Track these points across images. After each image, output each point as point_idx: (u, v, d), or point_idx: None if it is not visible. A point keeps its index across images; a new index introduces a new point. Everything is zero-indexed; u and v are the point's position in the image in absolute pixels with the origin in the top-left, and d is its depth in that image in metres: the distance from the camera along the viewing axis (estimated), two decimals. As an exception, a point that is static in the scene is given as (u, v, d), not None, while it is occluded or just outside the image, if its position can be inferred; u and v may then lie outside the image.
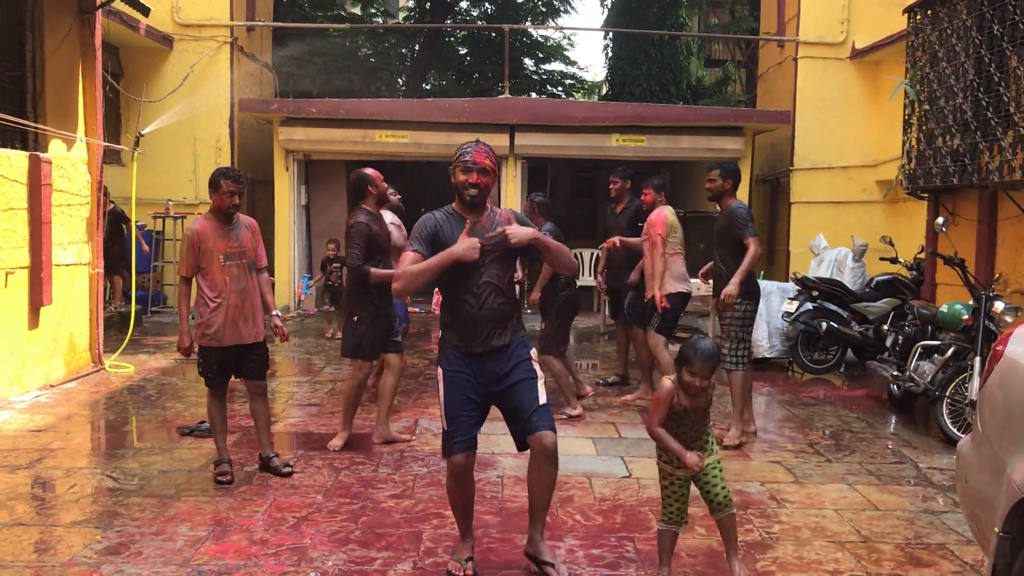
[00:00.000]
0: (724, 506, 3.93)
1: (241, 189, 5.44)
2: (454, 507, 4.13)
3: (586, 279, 14.14)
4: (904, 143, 9.40)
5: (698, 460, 3.81)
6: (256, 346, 5.56)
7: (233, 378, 5.61)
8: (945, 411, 6.76)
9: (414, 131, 13.45)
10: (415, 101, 15.92)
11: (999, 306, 6.72)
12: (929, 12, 8.90)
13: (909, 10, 9.34)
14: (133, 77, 13.26)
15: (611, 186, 8.29)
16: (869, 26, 13.47)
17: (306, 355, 10.27)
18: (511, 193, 13.69)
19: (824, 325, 9.09)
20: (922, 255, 9.56)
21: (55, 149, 8.22)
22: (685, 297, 7.36)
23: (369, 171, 6.41)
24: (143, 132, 10.97)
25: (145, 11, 9.59)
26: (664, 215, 7.36)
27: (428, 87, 23.54)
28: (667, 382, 3.92)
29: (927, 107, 8.89)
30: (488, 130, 13.37)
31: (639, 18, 19.72)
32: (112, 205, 10.98)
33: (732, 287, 6.31)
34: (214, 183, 5.39)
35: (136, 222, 10.92)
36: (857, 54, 13.70)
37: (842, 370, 9.49)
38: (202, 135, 13.57)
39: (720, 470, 3.98)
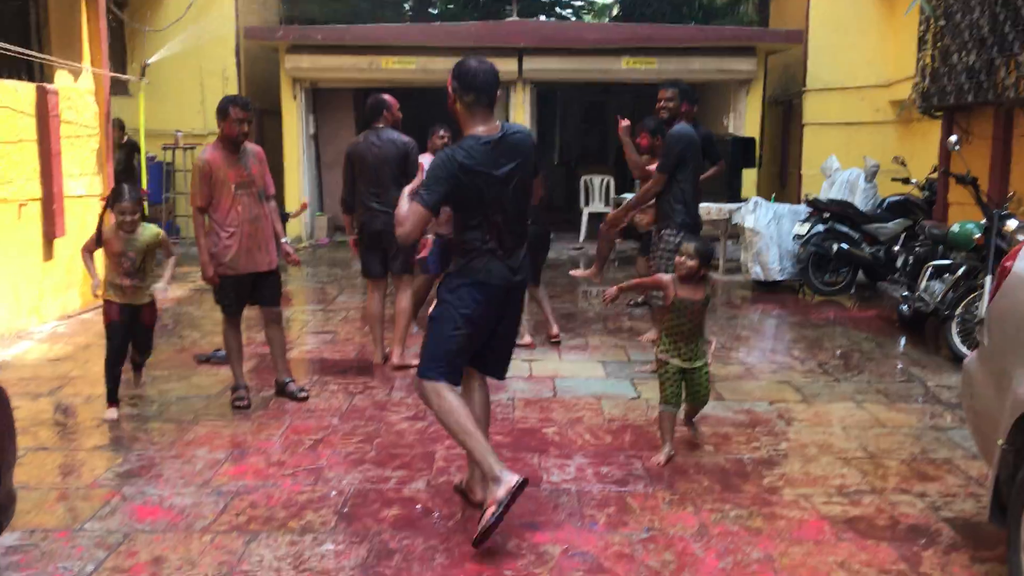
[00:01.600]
0: (701, 403, 4.78)
1: (249, 116, 5.41)
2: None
3: (597, 206, 14.09)
4: (919, 61, 9.24)
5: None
6: (270, 273, 5.60)
7: (248, 305, 5.67)
8: (955, 330, 6.78)
9: (421, 57, 13.27)
10: (421, 26, 15.71)
11: (1011, 224, 6.66)
12: (947, -77, 8.65)
13: (927, -78, 9.07)
14: (137, 6, 13.07)
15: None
16: (886, -60, 13.09)
17: (319, 284, 10.34)
18: (519, 118, 13.55)
19: (835, 247, 9.07)
20: (935, 175, 9.47)
21: (61, 80, 8.18)
22: None
23: (387, 97, 6.50)
24: (148, 62, 10.89)
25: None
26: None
27: (435, 12, 23.13)
28: (666, 276, 4.72)
29: (943, 22, 8.70)
30: (496, 54, 13.12)
31: (651, -64, 19.27)
32: (127, 137, 10.94)
33: (614, 215, 6.11)
34: (222, 111, 5.36)
35: (146, 153, 10.91)
36: (873, -31, 13.34)
37: (853, 292, 9.50)
38: (208, 64, 13.42)
39: (706, 373, 4.69)
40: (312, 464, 4.58)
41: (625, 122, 6.32)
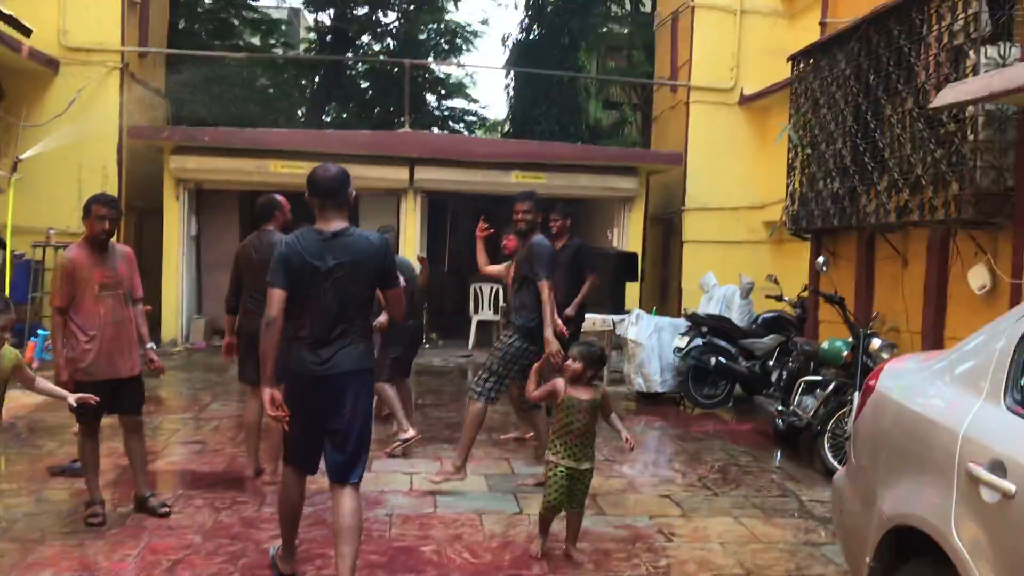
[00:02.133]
0: (578, 505, 4.83)
1: (114, 215, 5.21)
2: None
3: (486, 313, 14.14)
4: (788, 185, 9.76)
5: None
6: (132, 380, 5.32)
7: (108, 414, 5.35)
8: (827, 444, 6.96)
9: (311, 162, 12.95)
10: (314, 132, 15.77)
11: (876, 343, 6.99)
12: (811, 61, 9.31)
13: (793, 58, 9.75)
14: (15, 100, 12.65)
15: (552, 224, 7.72)
16: (757, 73, 14.01)
17: (192, 390, 9.92)
18: (410, 225, 13.61)
19: (714, 361, 9.29)
20: (805, 293, 9.90)
21: (-78, 172, 7.79)
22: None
23: (280, 198, 6.40)
24: (22, 157, 10.50)
25: (27, 32, 9.23)
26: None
27: (328, 119, 23.34)
28: (559, 380, 4.89)
29: (809, 151, 9.26)
30: (388, 163, 13.31)
31: (540, 59, 20.11)
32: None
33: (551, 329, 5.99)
34: (86, 208, 5.17)
35: (13, 251, 10.40)
36: (745, 100, 14.22)
37: (731, 404, 9.71)
38: (88, 161, 13.03)
39: (589, 479, 4.85)
40: (169, 587, 4.26)
41: (484, 226, 6.91)
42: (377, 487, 6.00)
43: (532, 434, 7.10)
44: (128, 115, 13.47)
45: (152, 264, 13.53)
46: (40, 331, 4.82)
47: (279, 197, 6.41)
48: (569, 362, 4.85)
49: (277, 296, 4.00)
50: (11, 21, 8.78)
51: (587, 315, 8.09)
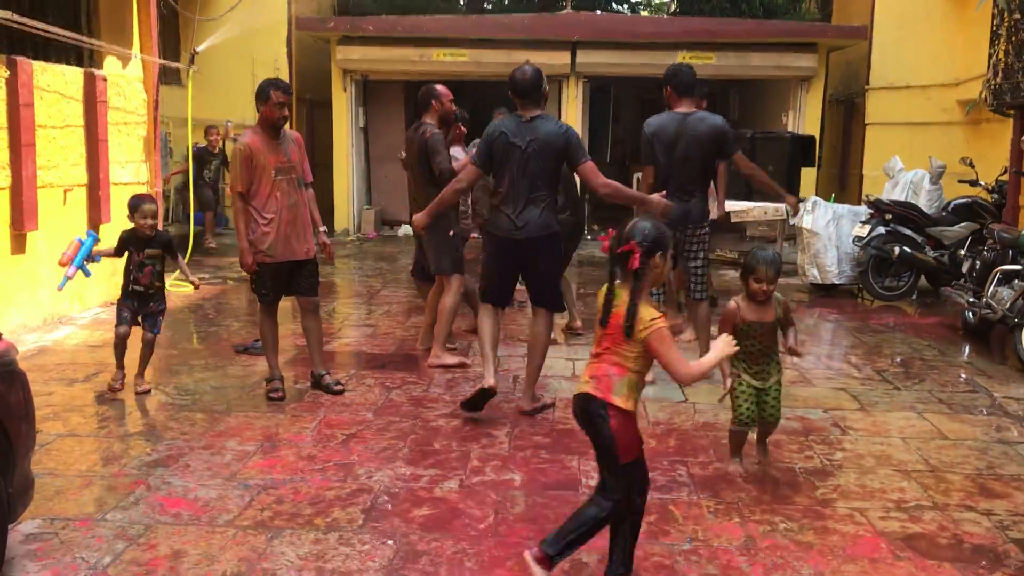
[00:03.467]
0: (771, 422, 4.35)
1: (289, 100, 5.31)
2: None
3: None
4: (990, 56, 8.79)
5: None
6: (308, 262, 5.47)
7: (285, 296, 5.55)
8: (1025, 339, 6.41)
9: (473, 49, 13.11)
10: (474, 17, 15.54)
11: (1089, 228, 6.29)
12: (1025, -88, 8.21)
13: (1003, -89, 8.63)
14: (191, -5, 13.11)
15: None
16: (957, -67, 12.59)
17: (364, 277, 10.24)
18: (572, 113, 13.32)
19: (897, 250, 8.68)
20: (1004, 177, 9.03)
21: (110, 66, 8.18)
22: None
23: (439, 87, 6.39)
24: (198, 49, 10.88)
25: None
26: None
27: (489, 5, 22.96)
28: (730, 303, 4.25)
29: (1018, 16, 8.26)
30: (549, 47, 12.98)
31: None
32: (196, 146, 11.05)
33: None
34: (262, 93, 5.24)
35: (195, 143, 10.91)
36: (942, -37, 12.84)
37: (915, 297, 9.10)
38: (260, 55, 13.40)
39: (778, 391, 4.31)
40: (343, 459, 4.43)
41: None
42: (541, 373, 5.99)
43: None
44: (296, 6, 13.70)
45: (323, 156, 13.93)
46: (89, 234, 4.99)
47: (439, 87, 6.38)
48: (756, 286, 4.13)
49: (471, 171, 5.16)
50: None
51: (759, 203, 7.60)
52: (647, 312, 3.05)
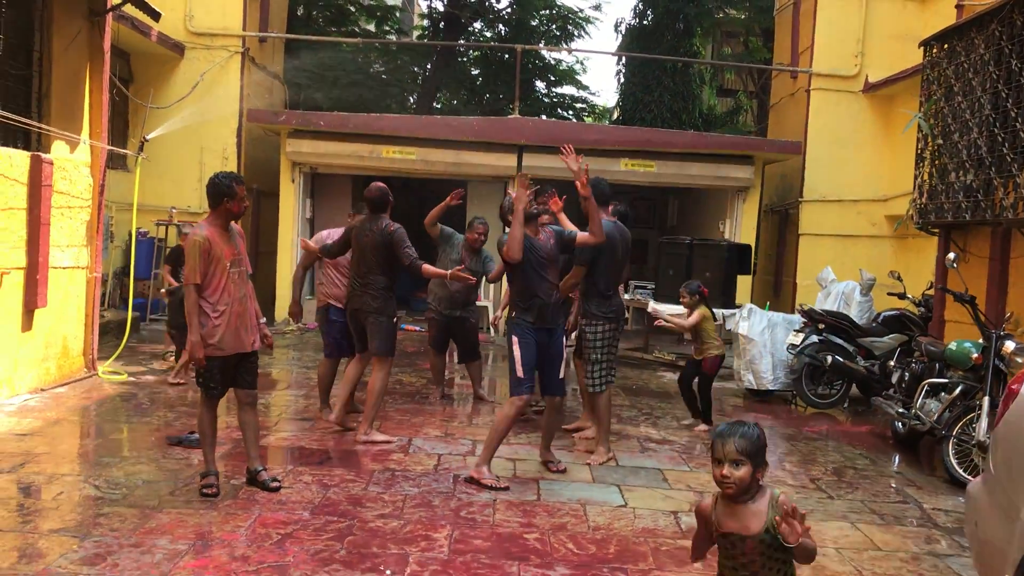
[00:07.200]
0: None
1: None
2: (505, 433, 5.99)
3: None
4: (916, 177, 9.29)
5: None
6: (252, 354, 5.46)
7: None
8: (951, 451, 6.59)
9: (422, 148, 13.38)
10: (424, 118, 15.88)
11: (1010, 345, 6.57)
12: (946, 46, 8.82)
13: (925, 43, 9.26)
14: (143, 83, 13.21)
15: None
16: (883, 60, 13.43)
17: (303, 368, 10.13)
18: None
19: (829, 359, 8.93)
20: (931, 291, 9.42)
21: (58, 150, 8.14)
22: None
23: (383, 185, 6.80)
24: (148, 137, 10.92)
25: (155, 15, 9.53)
26: None
27: (439, 106, 23.54)
28: (705, 499, 2.98)
29: (940, 141, 8.78)
30: (496, 149, 13.31)
31: (653, 45, 19.73)
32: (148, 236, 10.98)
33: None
34: (229, 190, 5.27)
35: (138, 228, 10.83)
36: (870, 87, 13.63)
37: (846, 405, 9.33)
38: (209, 144, 13.51)
39: None
40: (278, 560, 4.32)
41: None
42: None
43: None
44: (248, 99, 13.90)
45: (267, 245, 13.92)
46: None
47: (383, 186, 6.78)
48: (723, 468, 2.79)
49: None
50: (142, 5, 9.08)
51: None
52: None
